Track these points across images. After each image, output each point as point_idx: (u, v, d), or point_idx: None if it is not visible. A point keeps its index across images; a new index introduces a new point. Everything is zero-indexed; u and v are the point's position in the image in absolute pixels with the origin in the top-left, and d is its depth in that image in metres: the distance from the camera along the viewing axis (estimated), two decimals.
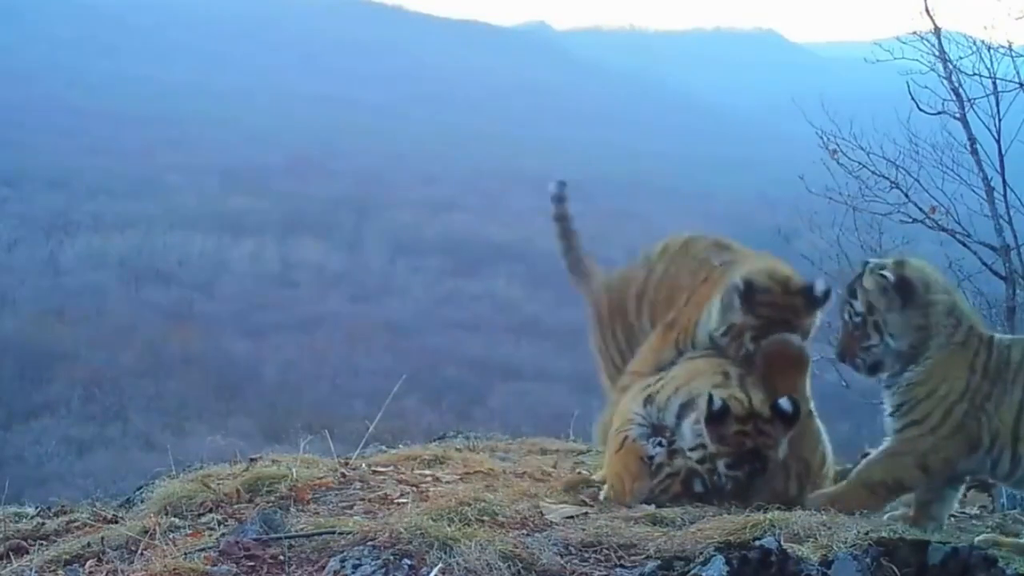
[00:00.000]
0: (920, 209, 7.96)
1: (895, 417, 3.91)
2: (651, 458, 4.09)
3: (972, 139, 7.73)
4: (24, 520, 4.34)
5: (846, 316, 4.00)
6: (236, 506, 4.08)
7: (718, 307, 4.38)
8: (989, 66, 7.83)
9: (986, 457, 3.82)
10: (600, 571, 3.07)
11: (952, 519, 4.06)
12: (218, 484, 4.35)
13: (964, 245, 7.76)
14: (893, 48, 8.34)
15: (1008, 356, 3.84)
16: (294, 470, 4.63)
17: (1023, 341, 3.94)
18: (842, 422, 7.74)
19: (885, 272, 3.92)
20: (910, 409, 3.87)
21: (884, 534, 3.14)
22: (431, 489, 4.41)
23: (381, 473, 4.76)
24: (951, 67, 7.87)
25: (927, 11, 8.05)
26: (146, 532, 3.49)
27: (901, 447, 3.89)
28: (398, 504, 4.05)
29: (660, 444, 4.11)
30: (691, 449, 4.02)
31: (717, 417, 3.91)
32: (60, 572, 3.25)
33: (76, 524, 4.07)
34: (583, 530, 3.40)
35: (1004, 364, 3.82)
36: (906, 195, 8.03)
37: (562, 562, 3.09)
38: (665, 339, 4.58)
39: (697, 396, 4.06)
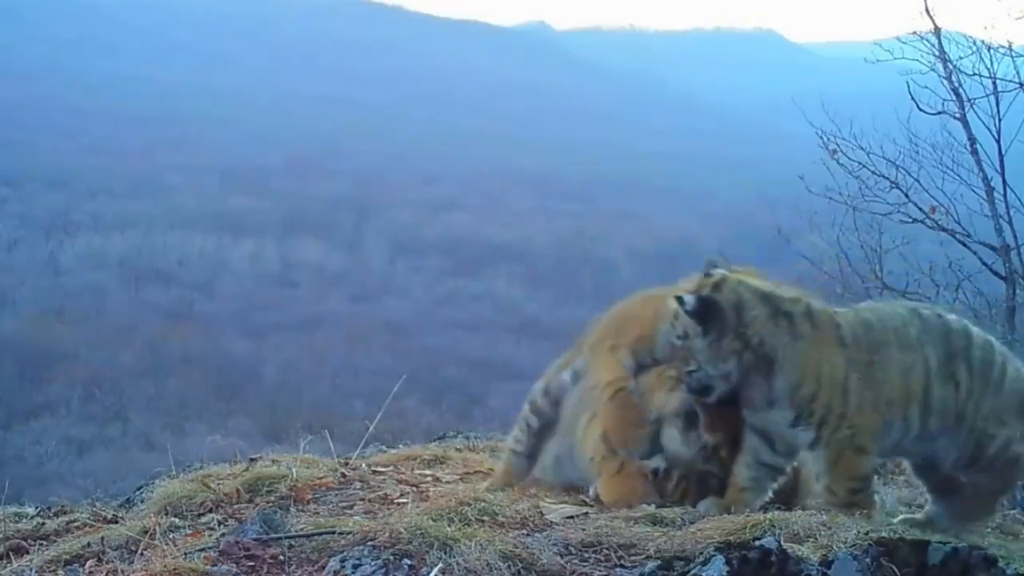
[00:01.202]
0: (920, 209, 7.95)
1: (803, 430, 3.75)
2: (655, 472, 4.08)
3: (972, 139, 7.73)
4: (24, 520, 4.34)
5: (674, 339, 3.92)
6: (236, 506, 4.08)
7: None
8: (989, 66, 7.83)
9: (893, 424, 3.78)
10: (600, 571, 3.07)
11: None
12: (218, 484, 4.35)
13: (964, 245, 7.76)
14: (893, 48, 8.34)
15: (868, 320, 3.84)
16: (294, 470, 4.63)
17: (868, 307, 3.96)
18: None
19: (684, 297, 3.75)
20: (809, 413, 3.74)
21: (884, 534, 3.14)
22: (431, 489, 4.41)
23: (381, 473, 4.76)
24: (951, 67, 7.87)
25: (927, 11, 8.05)
26: (146, 532, 3.49)
27: (834, 454, 3.76)
28: (398, 504, 4.05)
29: (660, 456, 4.10)
30: (693, 455, 4.01)
31: (701, 398, 3.88)
32: (60, 572, 3.25)
33: (76, 524, 4.07)
34: (583, 530, 3.40)
35: (869, 328, 3.81)
36: (906, 195, 8.03)
37: (562, 562, 3.08)
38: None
39: (662, 409, 4.06)
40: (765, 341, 3.75)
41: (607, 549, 3.21)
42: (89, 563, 3.35)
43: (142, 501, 4.44)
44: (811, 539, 3.13)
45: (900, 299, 8.01)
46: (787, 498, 3.90)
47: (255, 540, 3.24)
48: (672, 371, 4.06)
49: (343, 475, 4.68)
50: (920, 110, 7.90)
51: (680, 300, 3.76)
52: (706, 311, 3.72)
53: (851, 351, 3.75)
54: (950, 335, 3.78)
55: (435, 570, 2.93)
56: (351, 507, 4.08)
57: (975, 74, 7.84)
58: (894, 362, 3.75)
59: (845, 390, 3.74)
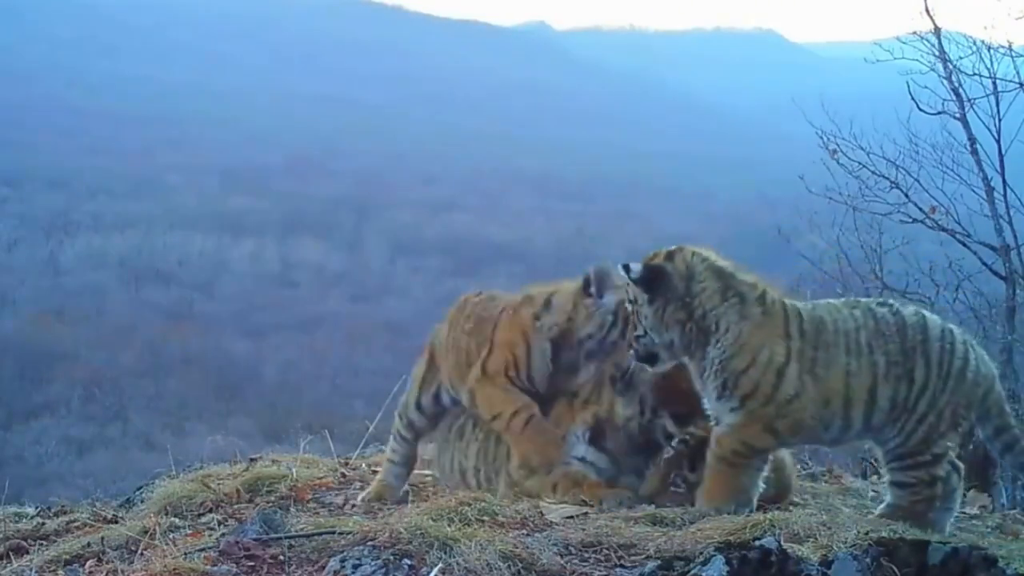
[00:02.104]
0: (920, 209, 7.96)
1: (725, 399, 3.83)
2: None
3: (972, 139, 7.73)
4: (24, 520, 4.34)
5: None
6: (236, 506, 4.08)
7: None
8: (989, 66, 7.84)
9: (820, 422, 3.81)
10: (600, 571, 3.07)
11: (952, 519, 4.06)
12: (218, 484, 4.35)
13: (964, 245, 7.76)
14: (893, 48, 8.35)
15: (821, 319, 3.83)
16: (294, 470, 4.64)
17: (826, 305, 3.93)
18: None
19: (631, 264, 3.87)
20: (735, 385, 3.80)
21: (884, 534, 3.14)
22: (431, 489, 4.41)
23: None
24: (951, 67, 7.88)
25: (927, 11, 8.07)
26: (146, 532, 3.49)
27: (744, 420, 3.82)
28: (398, 504, 4.05)
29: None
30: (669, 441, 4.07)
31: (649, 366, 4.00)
32: (60, 572, 3.25)
33: (76, 524, 4.07)
34: (583, 530, 3.40)
35: (821, 327, 3.81)
36: (906, 195, 8.03)
37: (562, 562, 3.08)
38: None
39: (594, 414, 4.14)
40: (708, 314, 3.82)
41: (607, 549, 3.21)
42: (89, 563, 3.35)
43: (142, 501, 4.44)
44: (811, 539, 3.13)
45: (900, 297, 8.04)
46: (772, 499, 3.93)
47: (255, 540, 3.24)
48: (582, 405, 4.20)
49: (343, 475, 4.68)
50: (920, 110, 7.90)
51: (626, 268, 3.86)
52: (652, 278, 3.83)
53: (795, 343, 3.78)
54: (905, 331, 3.77)
55: (435, 570, 2.92)
56: (351, 507, 4.08)
57: (975, 74, 7.85)
58: (839, 364, 3.76)
59: (779, 376, 3.77)
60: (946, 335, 3.79)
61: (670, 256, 3.89)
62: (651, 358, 3.96)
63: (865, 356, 3.77)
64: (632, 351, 4.01)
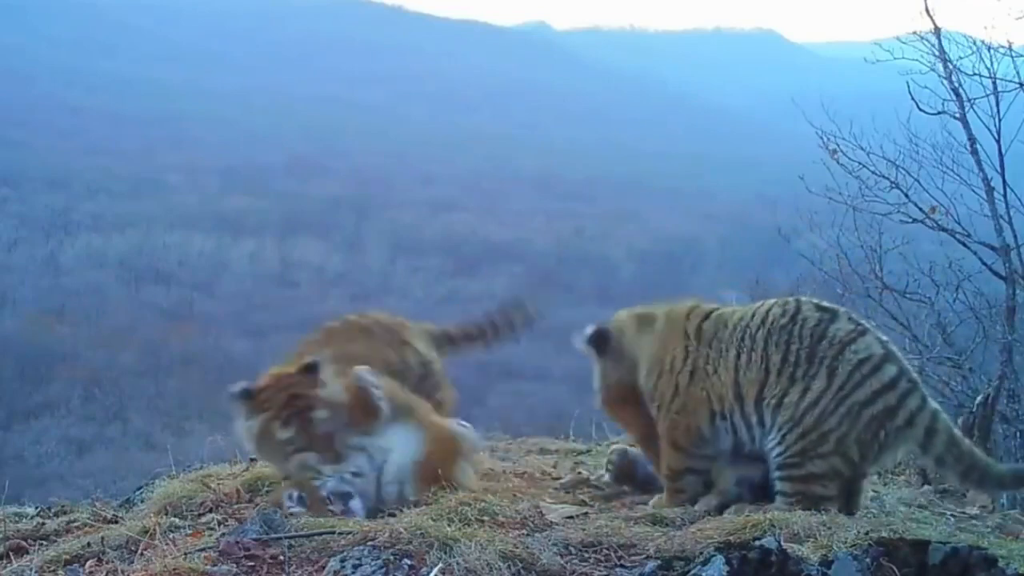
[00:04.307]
0: (920, 209, 7.94)
1: (653, 410, 4.10)
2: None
3: (972, 139, 7.71)
4: (24, 520, 4.33)
5: None
6: (236, 506, 4.08)
7: None
8: (989, 66, 7.82)
9: (722, 424, 3.85)
10: (600, 571, 3.07)
11: (952, 519, 4.06)
12: (218, 484, 4.35)
13: (964, 245, 7.75)
14: (893, 48, 8.32)
15: (727, 319, 3.91)
16: None
17: (749, 306, 3.98)
18: None
19: (586, 328, 4.34)
20: (651, 397, 4.03)
21: (884, 534, 3.14)
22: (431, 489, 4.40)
23: None
24: (951, 67, 7.86)
25: (927, 11, 8.04)
26: (146, 532, 3.49)
27: (661, 434, 4.03)
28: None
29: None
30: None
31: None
32: (60, 572, 3.25)
33: (76, 524, 4.07)
34: (583, 530, 3.40)
35: (722, 325, 3.89)
36: (906, 195, 8.02)
37: (562, 562, 3.08)
38: None
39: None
40: (635, 352, 4.15)
41: (607, 549, 3.21)
42: (89, 563, 3.34)
43: (142, 501, 4.44)
44: (811, 539, 3.13)
45: (900, 297, 8.05)
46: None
47: (255, 540, 3.24)
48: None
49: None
50: (920, 110, 7.89)
51: (583, 332, 4.30)
52: (598, 339, 4.28)
53: (694, 345, 3.91)
54: (822, 340, 3.70)
55: (435, 570, 2.93)
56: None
57: (975, 74, 7.83)
58: (729, 361, 3.82)
59: (676, 386, 3.92)
60: (868, 361, 3.63)
61: (607, 322, 4.35)
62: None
63: (759, 352, 3.76)
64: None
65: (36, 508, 4.64)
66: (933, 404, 3.76)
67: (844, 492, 3.74)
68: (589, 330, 4.32)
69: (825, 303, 3.89)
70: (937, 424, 3.68)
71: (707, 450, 3.92)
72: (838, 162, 8.41)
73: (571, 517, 3.75)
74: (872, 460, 3.75)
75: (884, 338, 3.81)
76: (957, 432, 3.79)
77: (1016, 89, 7.76)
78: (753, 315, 3.85)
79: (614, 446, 4.78)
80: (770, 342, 3.73)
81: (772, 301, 3.92)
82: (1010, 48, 7.89)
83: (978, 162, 7.69)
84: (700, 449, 3.91)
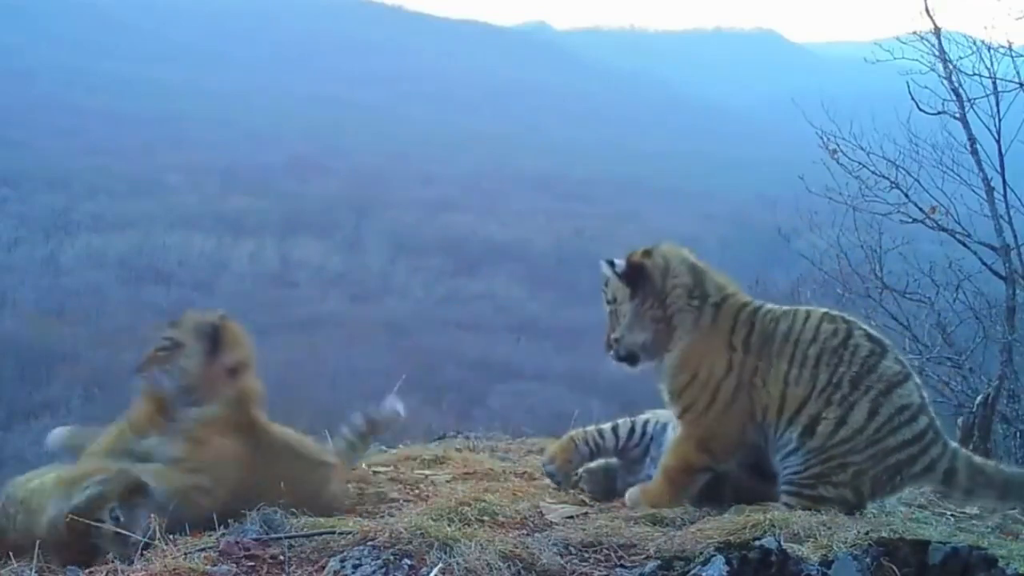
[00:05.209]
0: (920, 209, 7.95)
1: (671, 404, 3.93)
2: None
3: (972, 139, 7.72)
4: None
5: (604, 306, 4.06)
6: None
7: None
8: (989, 66, 7.82)
9: (759, 431, 3.79)
10: (600, 571, 3.07)
11: (952, 519, 4.06)
12: None
13: (964, 245, 7.75)
14: (893, 48, 8.33)
15: (774, 330, 3.79)
16: None
17: (792, 314, 3.87)
18: None
19: (615, 260, 3.95)
20: (679, 397, 3.88)
21: (884, 534, 3.13)
22: (431, 489, 4.41)
23: (381, 473, 4.76)
24: (951, 67, 7.86)
25: (927, 11, 8.04)
26: (146, 531, 3.48)
27: (684, 432, 3.90)
28: (398, 504, 4.05)
29: None
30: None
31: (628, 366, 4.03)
32: (60, 572, 3.25)
33: None
34: (583, 530, 3.40)
35: (769, 337, 3.77)
36: (906, 195, 8.02)
37: (562, 562, 3.08)
38: None
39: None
40: (675, 315, 3.87)
41: (607, 549, 3.21)
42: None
43: None
44: (811, 539, 3.13)
45: (901, 298, 8.03)
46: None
47: (255, 540, 3.24)
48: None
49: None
50: (920, 110, 7.89)
51: (611, 263, 3.94)
52: (634, 274, 3.90)
53: (739, 355, 3.78)
54: (871, 369, 3.66)
55: (435, 570, 2.92)
56: (351, 507, 4.08)
57: (975, 74, 7.84)
58: (779, 373, 3.72)
59: (715, 393, 3.79)
60: (907, 409, 3.62)
61: (648, 253, 3.96)
62: (631, 358, 3.99)
63: (808, 368, 3.70)
64: (611, 352, 4.03)
65: None
66: (952, 445, 3.78)
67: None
68: (620, 262, 3.94)
69: (873, 332, 3.85)
70: (956, 463, 3.70)
71: (738, 455, 3.87)
72: (838, 162, 8.42)
73: (571, 517, 3.75)
74: (879, 497, 3.80)
75: (919, 381, 3.81)
76: (978, 460, 3.80)
77: (1016, 89, 7.76)
78: (803, 328, 3.78)
79: (581, 471, 4.41)
80: (822, 361, 3.69)
81: (819, 314, 3.85)
82: (1010, 48, 7.90)
83: (978, 162, 7.69)
84: (731, 454, 3.86)
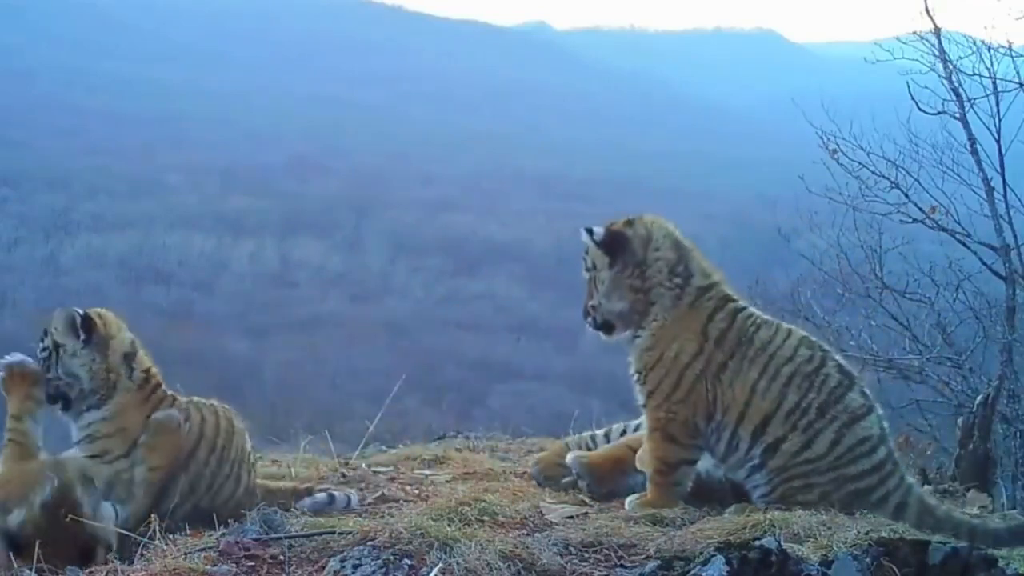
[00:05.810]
0: (920, 209, 7.95)
1: (638, 385, 3.93)
2: None
3: (972, 139, 7.72)
4: None
5: None
6: None
7: None
8: (989, 66, 7.82)
9: (710, 430, 3.80)
10: (600, 571, 3.08)
11: None
12: None
13: (964, 245, 7.75)
14: (893, 48, 8.33)
15: (753, 334, 3.80)
16: (294, 470, 4.64)
17: (775, 326, 3.88)
18: None
19: (595, 228, 3.94)
20: (645, 378, 3.88)
21: (884, 534, 3.14)
22: (431, 489, 4.41)
23: (381, 473, 4.76)
24: (951, 67, 7.86)
25: (927, 11, 8.04)
26: (146, 532, 3.49)
27: (649, 426, 3.92)
28: (398, 504, 4.06)
29: None
30: None
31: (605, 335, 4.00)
32: (61, 572, 3.25)
33: None
34: (583, 530, 3.41)
35: (747, 340, 3.79)
36: (906, 195, 8.02)
37: (562, 562, 3.09)
38: None
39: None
40: (653, 289, 3.87)
41: (607, 549, 3.21)
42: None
43: None
44: (811, 539, 3.13)
45: (900, 298, 8.02)
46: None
47: (255, 540, 3.24)
48: None
49: (343, 475, 4.69)
50: (920, 110, 7.89)
51: (590, 231, 3.95)
52: (613, 242, 3.90)
53: (711, 346, 3.79)
54: (837, 399, 3.72)
55: (435, 570, 2.93)
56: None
57: (975, 74, 7.84)
58: (747, 380, 3.74)
59: (680, 377, 3.79)
60: (867, 441, 3.67)
61: (630, 222, 3.97)
62: (607, 327, 4.00)
63: (779, 385, 3.72)
64: (589, 319, 4.03)
65: None
66: (909, 480, 3.84)
67: None
68: (600, 230, 3.94)
69: (845, 365, 3.88)
70: (908, 499, 3.75)
71: (700, 441, 3.88)
72: (838, 162, 8.42)
73: (571, 517, 3.76)
74: None
75: (881, 413, 3.86)
76: (933, 501, 3.85)
77: (1016, 89, 7.77)
78: (783, 344, 3.80)
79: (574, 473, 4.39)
80: (793, 382, 3.73)
81: (799, 336, 3.88)
82: (1010, 48, 7.90)
83: (978, 162, 7.69)
84: (695, 440, 3.87)
